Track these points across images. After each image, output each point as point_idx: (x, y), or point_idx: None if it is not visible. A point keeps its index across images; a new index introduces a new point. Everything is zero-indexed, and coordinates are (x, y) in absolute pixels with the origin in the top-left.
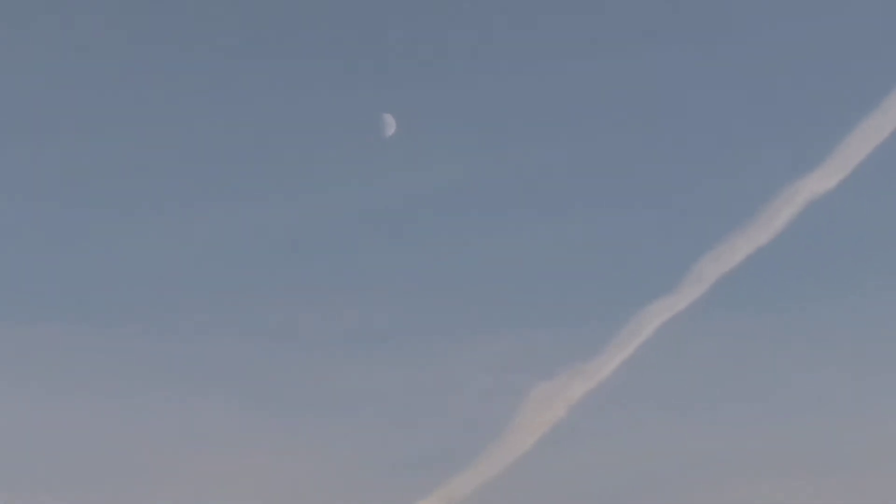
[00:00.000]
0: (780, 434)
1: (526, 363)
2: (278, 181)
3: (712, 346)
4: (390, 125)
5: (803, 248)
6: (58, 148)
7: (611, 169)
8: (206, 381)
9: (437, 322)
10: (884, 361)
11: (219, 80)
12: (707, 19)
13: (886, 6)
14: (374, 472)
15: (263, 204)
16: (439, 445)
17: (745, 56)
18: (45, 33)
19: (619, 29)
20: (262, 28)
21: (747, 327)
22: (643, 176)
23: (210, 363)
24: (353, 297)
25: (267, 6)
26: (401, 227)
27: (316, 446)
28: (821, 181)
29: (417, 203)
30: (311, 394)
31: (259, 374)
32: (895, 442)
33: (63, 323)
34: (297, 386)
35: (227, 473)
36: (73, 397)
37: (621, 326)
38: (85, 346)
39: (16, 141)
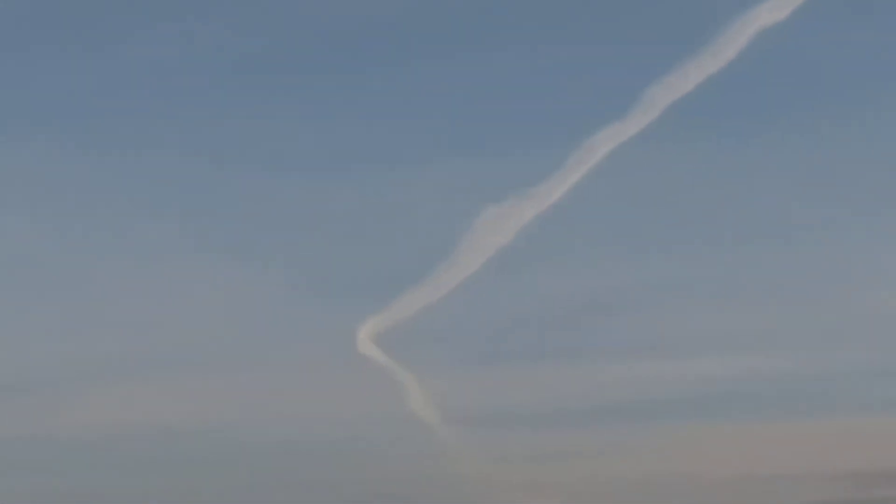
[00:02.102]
0: (728, 260)
1: (475, 187)
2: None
3: (662, 172)
4: None
5: (754, 76)
6: None
7: None
8: (155, 199)
9: (388, 146)
10: (834, 186)
11: None
12: None
13: None
14: (323, 289)
15: (223, 22)
16: (388, 266)
17: None
18: None
19: None
20: None
21: (697, 154)
22: (593, 4)
23: (162, 180)
24: (306, 120)
25: None
26: (355, 53)
27: (267, 264)
28: (773, 11)
29: (373, 29)
30: (261, 213)
31: (211, 192)
32: (847, 267)
33: (14, 136)
34: (249, 204)
35: (175, 289)
36: (19, 209)
37: (571, 152)
38: (36, 159)
39: None
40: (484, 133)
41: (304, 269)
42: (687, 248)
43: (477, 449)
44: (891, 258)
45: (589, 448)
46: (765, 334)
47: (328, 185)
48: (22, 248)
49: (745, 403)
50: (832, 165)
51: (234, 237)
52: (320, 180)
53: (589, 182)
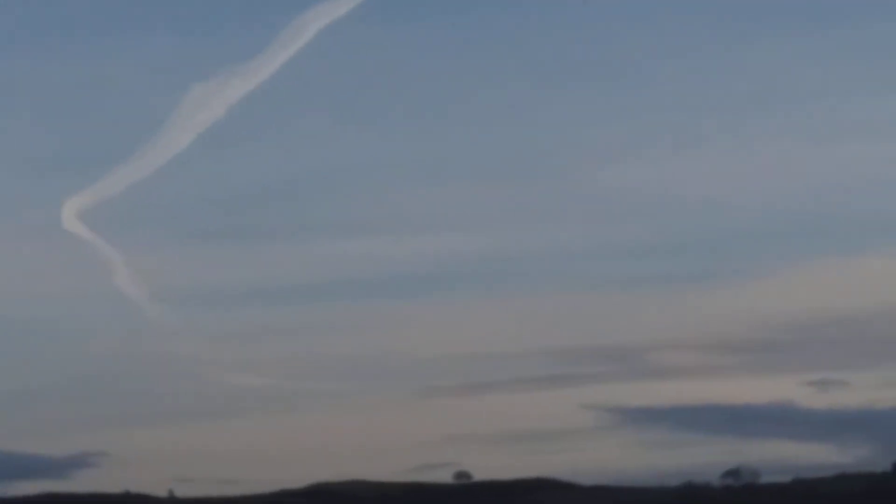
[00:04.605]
0: (440, 139)
1: (182, 64)
2: None
3: (373, 51)
4: None
5: None
6: None
7: None
8: None
9: (92, 17)
10: (548, 63)
11: None
12: None
13: None
14: (26, 165)
15: None
16: (93, 142)
17: None
18: None
19: None
20: None
21: (408, 33)
22: None
23: None
24: None
25: None
26: None
27: None
28: None
29: None
30: None
31: None
32: (562, 145)
33: None
34: None
35: None
36: None
37: (281, 29)
38: None
39: None
40: (191, 8)
41: (6, 145)
42: (399, 126)
43: (187, 327)
44: (607, 135)
45: (303, 326)
46: (476, 213)
47: (30, 59)
48: None
49: (453, 282)
50: (545, 42)
51: None
52: (20, 55)
53: (299, 60)
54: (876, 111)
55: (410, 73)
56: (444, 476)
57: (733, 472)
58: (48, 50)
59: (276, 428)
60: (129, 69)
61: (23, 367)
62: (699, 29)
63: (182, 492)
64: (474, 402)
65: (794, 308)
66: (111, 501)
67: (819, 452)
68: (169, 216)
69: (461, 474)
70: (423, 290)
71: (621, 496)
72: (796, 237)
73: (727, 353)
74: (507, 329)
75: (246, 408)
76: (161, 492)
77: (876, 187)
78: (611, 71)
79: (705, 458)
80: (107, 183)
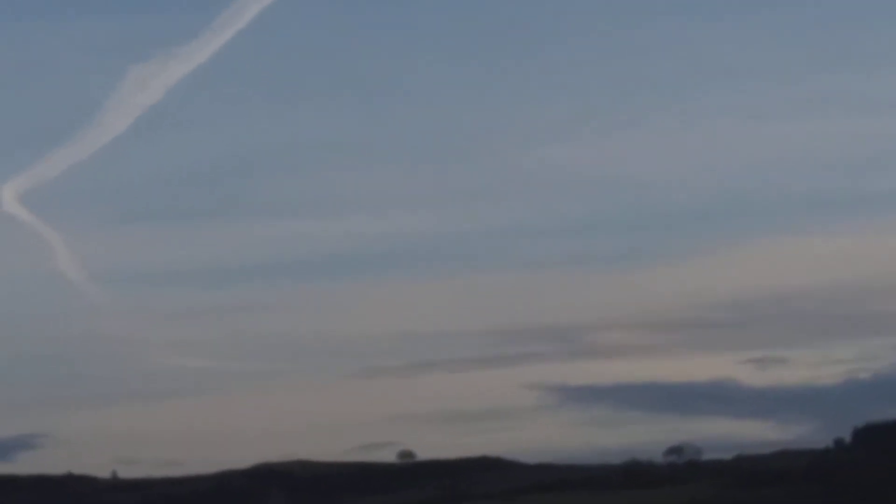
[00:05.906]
0: (374, 120)
1: (120, 45)
2: None
3: (311, 34)
4: None
5: None
6: None
7: None
8: None
9: None
10: (496, 51)
11: None
12: None
13: None
14: None
15: None
16: (32, 125)
17: None
18: None
19: None
20: None
21: (347, 16)
22: None
23: None
24: None
25: None
26: None
27: None
28: None
29: None
30: None
31: None
32: (496, 130)
33: None
34: None
35: None
36: None
37: (220, 10)
38: None
39: None
40: None
41: None
42: (337, 107)
43: (125, 308)
44: (547, 115)
45: (244, 306)
46: (412, 193)
47: None
48: None
49: (393, 262)
50: (485, 23)
51: None
52: None
53: (237, 42)
54: (812, 91)
55: (348, 55)
56: (388, 455)
57: (676, 450)
58: None
59: (219, 409)
60: (67, 51)
61: None
62: (635, 8)
63: (125, 473)
64: (417, 382)
65: (733, 286)
66: (54, 483)
67: (760, 429)
68: (108, 198)
69: (405, 454)
70: (365, 270)
71: (565, 474)
72: (736, 216)
73: (668, 331)
74: (448, 309)
75: (188, 389)
76: (104, 473)
77: (812, 167)
78: (550, 51)
79: (648, 435)
80: (46, 165)
